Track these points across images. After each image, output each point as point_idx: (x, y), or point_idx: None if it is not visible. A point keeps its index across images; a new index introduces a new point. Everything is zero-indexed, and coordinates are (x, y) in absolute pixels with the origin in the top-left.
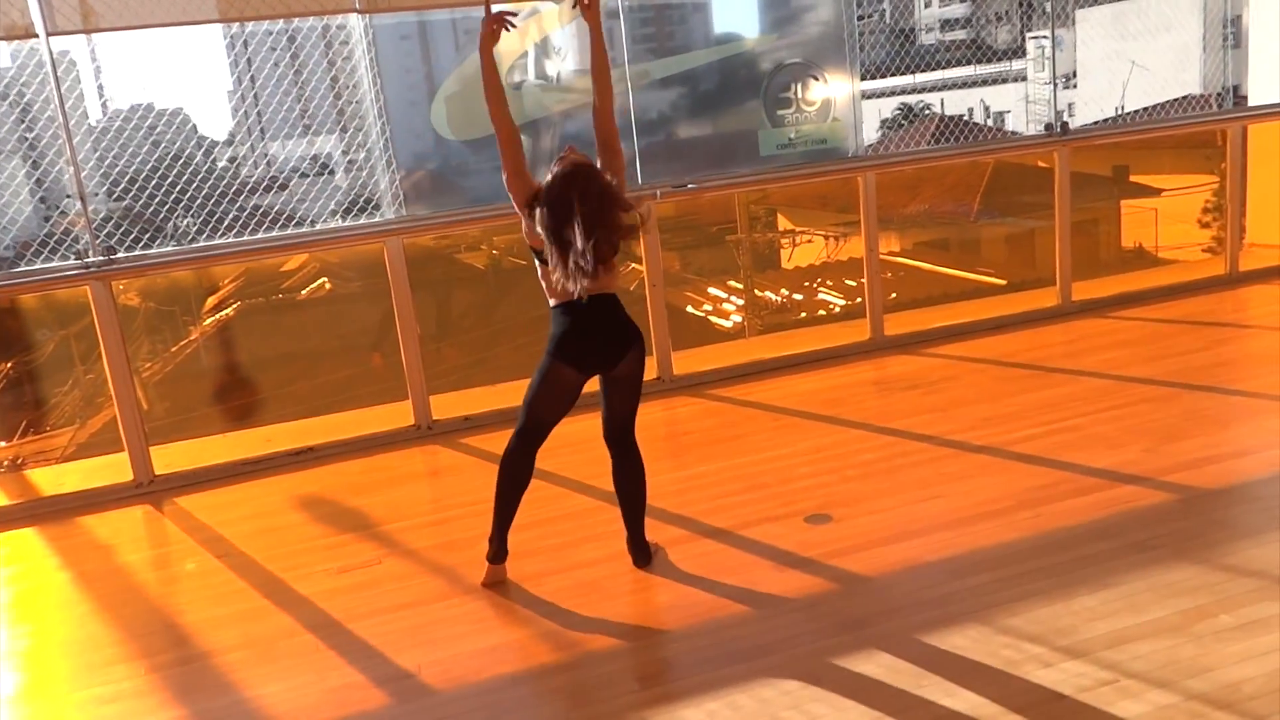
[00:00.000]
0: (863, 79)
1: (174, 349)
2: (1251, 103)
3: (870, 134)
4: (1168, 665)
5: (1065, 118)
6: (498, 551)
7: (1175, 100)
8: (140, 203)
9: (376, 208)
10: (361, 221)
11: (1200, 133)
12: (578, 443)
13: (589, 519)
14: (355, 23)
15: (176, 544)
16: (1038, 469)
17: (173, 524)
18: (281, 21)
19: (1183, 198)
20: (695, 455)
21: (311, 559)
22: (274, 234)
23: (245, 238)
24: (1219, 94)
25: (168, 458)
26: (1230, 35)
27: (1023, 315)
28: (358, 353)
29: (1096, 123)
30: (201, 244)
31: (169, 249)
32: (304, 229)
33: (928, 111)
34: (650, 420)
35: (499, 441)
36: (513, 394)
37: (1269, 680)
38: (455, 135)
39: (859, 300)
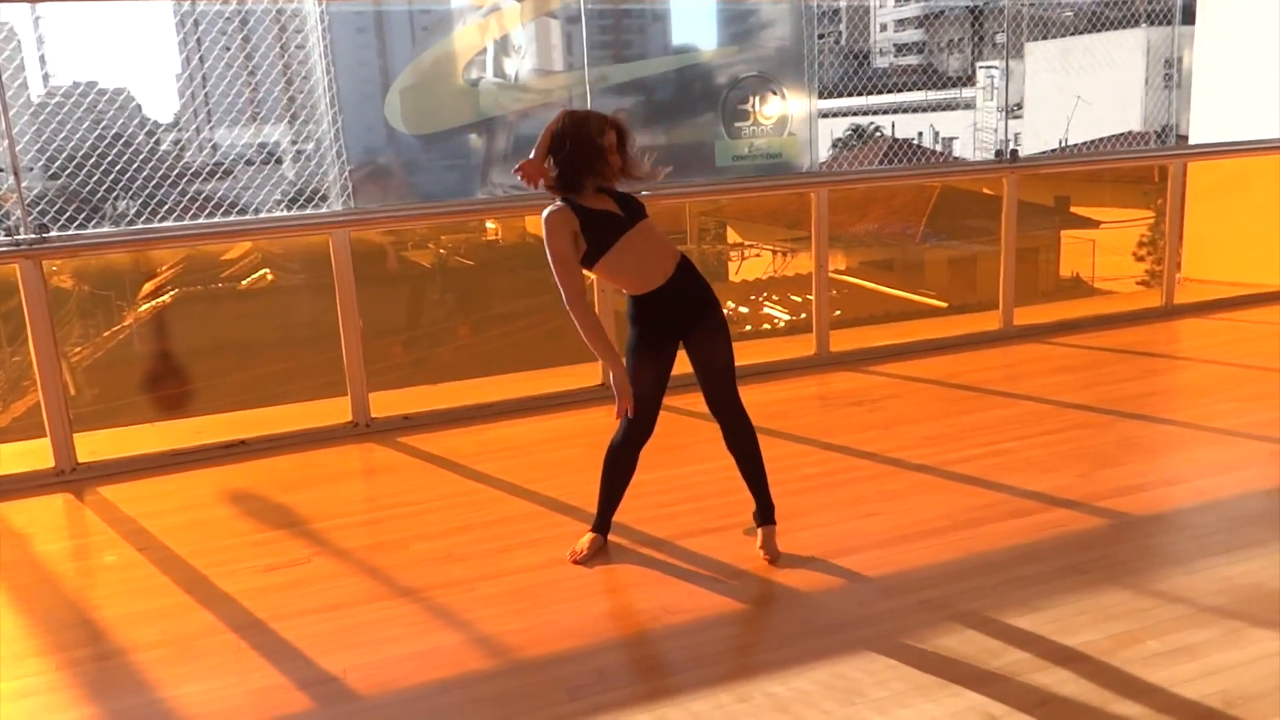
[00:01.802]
0: (822, 98)
1: (107, 334)
2: (1192, 141)
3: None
4: (1095, 690)
5: (1011, 146)
6: (600, 525)
7: (1117, 136)
8: (78, 181)
9: (324, 199)
10: (308, 212)
11: (1139, 168)
12: (518, 446)
13: (527, 524)
14: (311, 9)
15: (97, 535)
16: (974, 489)
17: (94, 514)
18: (234, 3)
19: (1120, 230)
20: (641, 463)
21: (238, 555)
22: (216, 220)
23: (189, 222)
24: (1159, 131)
25: (93, 445)
26: (1172, 75)
27: (965, 337)
28: (297, 345)
29: (1043, 153)
30: (139, 227)
31: (105, 230)
32: (247, 217)
33: (878, 133)
34: (592, 426)
35: (437, 441)
36: (454, 394)
37: (1191, 708)
38: (409, 129)
39: (804, 315)
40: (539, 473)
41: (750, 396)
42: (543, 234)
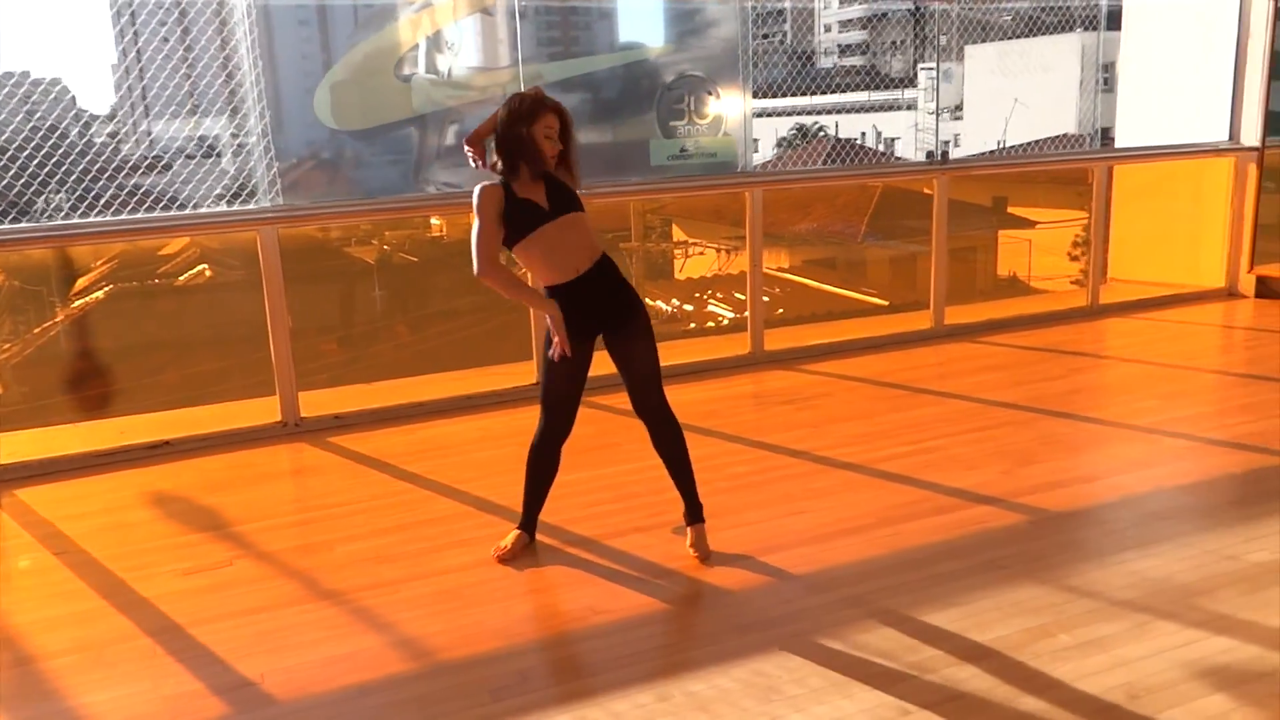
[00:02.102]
0: (761, 97)
1: (38, 331)
2: (1118, 145)
3: (767, 151)
4: (1007, 683)
5: (952, 147)
6: (526, 523)
7: (1053, 137)
8: (11, 174)
9: (252, 195)
10: (235, 208)
11: (1073, 169)
12: (450, 445)
13: (457, 524)
14: (238, 1)
15: (11, 539)
16: (900, 487)
17: (9, 518)
18: None
19: (1055, 231)
20: (568, 462)
21: (158, 559)
22: (139, 216)
23: (113, 218)
24: (1094, 134)
25: (11, 446)
26: (1104, 79)
27: (897, 336)
28: (234, 343)
29: (981, 154)
30: (60, 222)
31: (23, 225)
32: (186, 211)
33: (822, 133)
34: (525, 426)
35: (368, 441)
36: (387, 394)
37: (1097, 700)
38: (339, 125)
39: (748, 314)
40: (470, 472)
41: (684, 395)
42: (472, 204)
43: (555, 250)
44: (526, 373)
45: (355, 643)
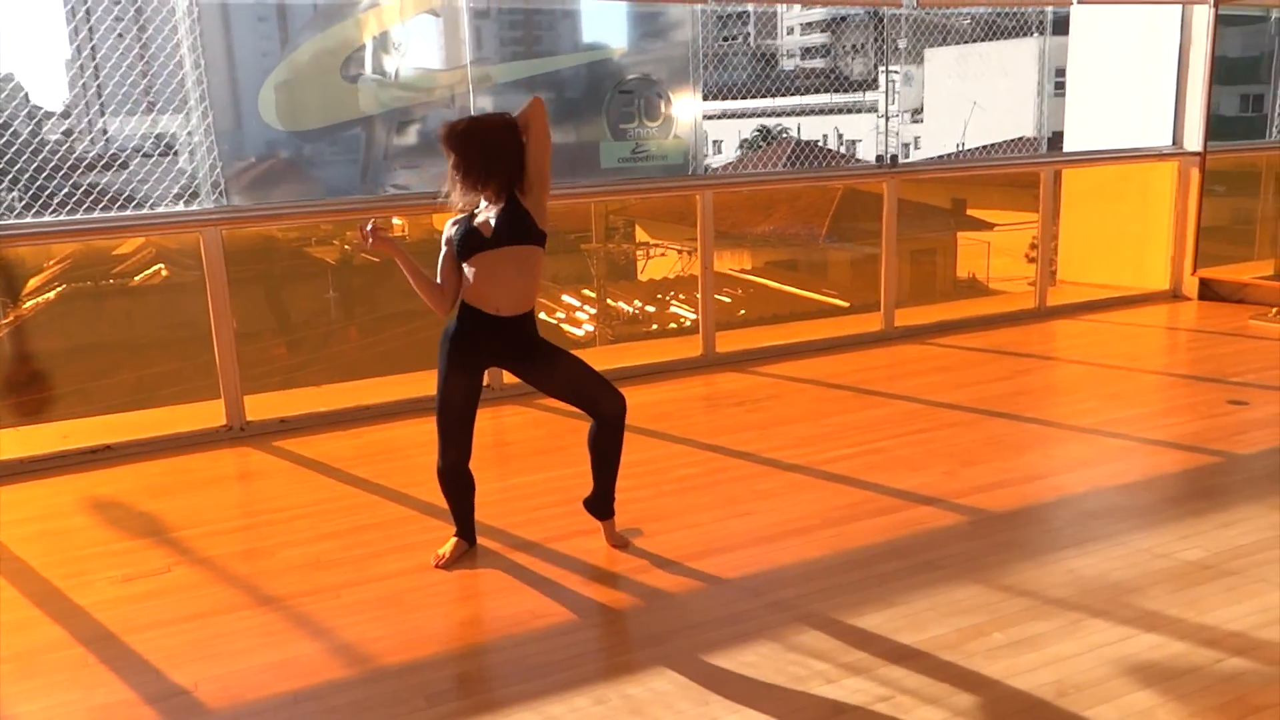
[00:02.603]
0: (724, 99)
1: None
2: (1066, 149)
3: (730, 152)
4: (939, 682)
5: (913, 149)
6: (463, 532)
7: (1011, 140)
8: None
9: (195, 195)
10: (178, 209)
11: (1029, 173)
12: (396, 449)
13: (397, 529)
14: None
15: None
16: (844, 488)
17: None
18: None
19: (1012, 233)
20: (517, 465)
21: (95, 566)
22: (81, 216)
23: (64, 217)
24: (1051, 137)
25: None
26: (1056, 84)
27: (849, 338)
28: (187, 344)
29: (941, 157)
30: (10, 221)
31: None
32: (128, 213)
33: (785, 135)
34: (477, 429)
35: (314, 445)
36: (334, 397)
37: (1027, 697)
38: (283, 126)
39: None
40: (415, 476)
41: (636, 398)
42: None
43: (485, 280)
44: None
45: (292, 649)
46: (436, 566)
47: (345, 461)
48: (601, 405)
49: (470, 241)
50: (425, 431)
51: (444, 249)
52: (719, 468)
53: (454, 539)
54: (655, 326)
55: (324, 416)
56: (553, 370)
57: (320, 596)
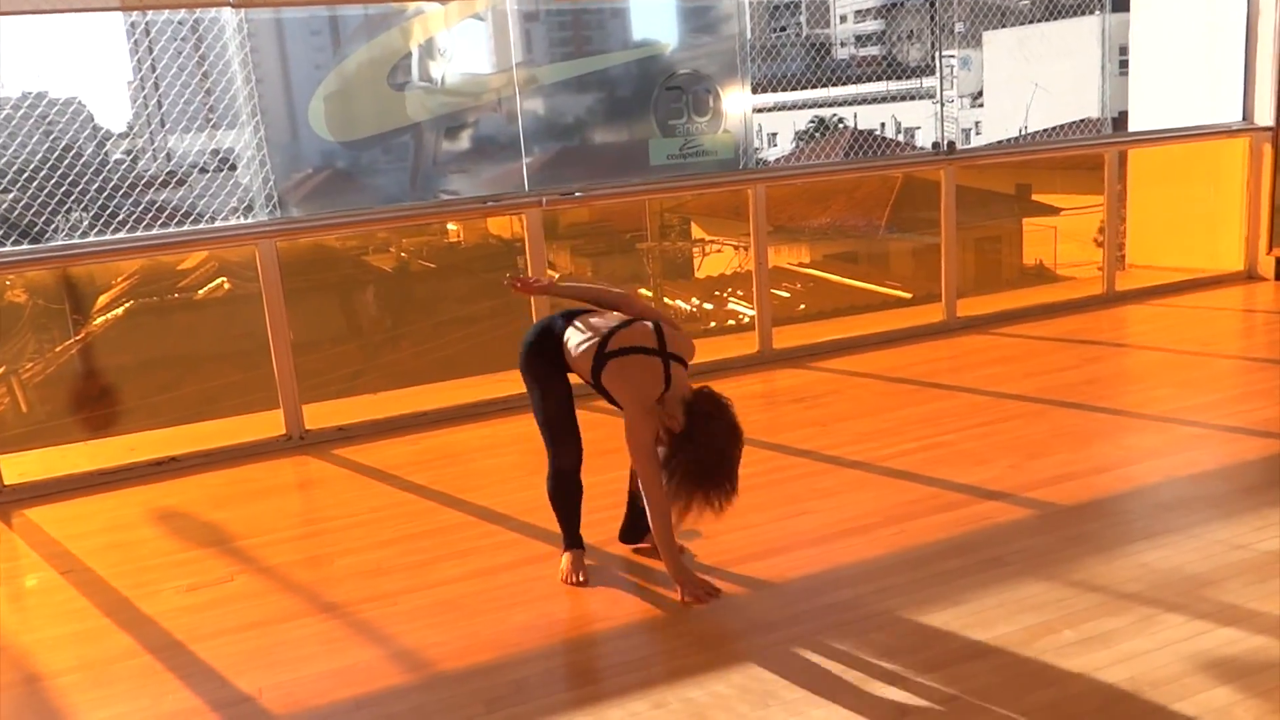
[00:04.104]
0: (776, 91)
1: (59, 349)
2: (1132, 128)
3: (785, 145)
4: (1009, 681)
5: (974, 134)
6: (572, 542)
7: (1074, 122)
8: (29, 194)
9: (250, 209)
10: (232, 223)
11: (1093, 154)
12: (454, 454)
13: (454, 535)
14: (228, 17)
15: (20, 559)
16: (906, 484)
17: (19, 537)
18: (184, 11)
19: (1079, 217)
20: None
21: (161, 576)
22: (139, 234)
23: (124, 235)
24: (1116, 117)
25: (23, 466)
26: (1119, 62)
27: (909, 330)
28: (250, 355)
29: (1003, 141)
30: (74, 240)
31: (23, 248)
32: (185, 228)
33: (841, 125)
34: (530, 432)
35: (372, 453)
36: (391, 404)
37: (1101, 695)
38: (334, 136)
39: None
40: (473, 481)
41: None
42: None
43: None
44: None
45: (352, 656)
46: (572, 584)
47: (403, 468)
48: None
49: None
50: (483, 436)
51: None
52: (777, 466)
53: (568, 553)
54: (713, 324)
55: (380, 424)
56: None
57: (379, 603)
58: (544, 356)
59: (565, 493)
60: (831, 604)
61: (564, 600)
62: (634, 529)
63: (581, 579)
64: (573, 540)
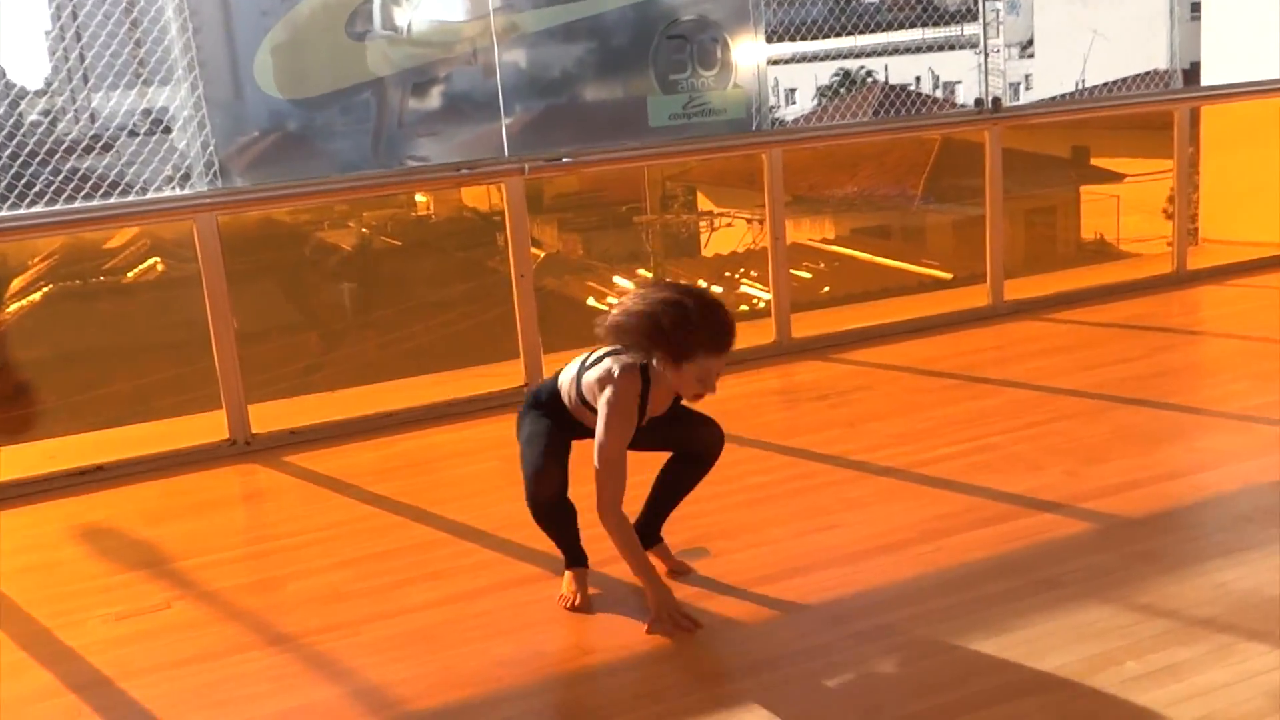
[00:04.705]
0: (795, 40)
1: None
2: (1204, 82)
3: (806, 102)
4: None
5: (1023, 89)
6: (573, 559)
7: (1139, 75)
8: None
9: (187, 178)
10: (165, 194)
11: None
12: (424, 461)
13: (426, 554)
14: None
15: None
16: (945, 494)
17: None
18: None
19: (1146, 185)
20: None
21: (87, 603)
22: (56, 208)
23: (33, 210)
24: (1184, 71)
25: None
26: (1190, 6)
27: (950, 316)
28: (189, 348)
29: (1056, 98)
30: None
31: None
32: (129, 199)
33: (869, 79)
34: (506, 436)
35: (329, 459)
36: (352, 403)
37: None
38: (284, 94)
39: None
40: (446, 492)
41: None
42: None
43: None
44: (513, 373)
45: (307, 695)
46: (571, 609)
47: (365, 477)
48: (707, 438)
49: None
50: (459, 439)
51: (622, 443)
52: (798, 474)
53: (570, 572)
54: None
55: (339, 426)
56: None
57: (339, 633)
58: (540, 409)
59: (551, 518)
60: (860, 632)
61: (552, 629)
62: (647, 531)
63: (578, 603)
64: (574, 557)
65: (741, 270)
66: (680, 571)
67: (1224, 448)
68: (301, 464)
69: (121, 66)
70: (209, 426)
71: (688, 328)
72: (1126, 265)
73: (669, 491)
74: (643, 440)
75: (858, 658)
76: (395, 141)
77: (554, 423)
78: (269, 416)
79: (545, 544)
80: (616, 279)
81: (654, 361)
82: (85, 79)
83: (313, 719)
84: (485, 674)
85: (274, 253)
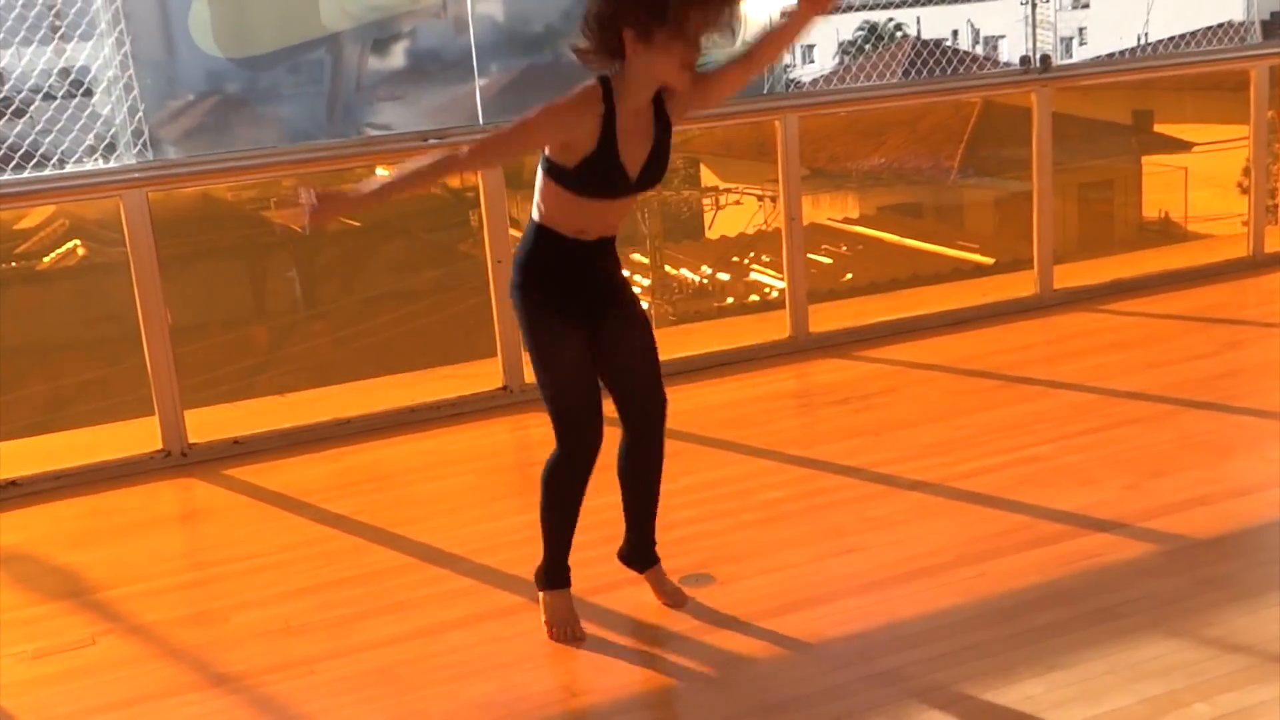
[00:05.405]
0: None
1: None
2: None
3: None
4: None
5: (1076, 46)
6: (556, 576)
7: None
8: None
9: (112, 149)
10: (87, 168)
11: (1235, 71)
12: (386, 475)
13: (388, 582)
14: None
15: None
16: (987, 511)
17: None
18: None
19: (1218, 155)
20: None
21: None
22: None
23: None
24: (1263, 22)
25: None
26: None
27: (990, 308)
28: (113, 345)
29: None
30: None
31: None
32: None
33: (899, 33)
34: (493, 444)
35: (278, 473)
36: (303, 409)
37: None
38: (223, 52)
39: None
40: (411, 511)
41: (705, 396)
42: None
43: (588, 214)
44: (489, 374)
45: None
46: (559, 640)
47: (319, 494)
48: (653, 399)
49: (610, 179)
50: (426, 450)
51: (534, 132)
52: (816, 488)
53: (550, 595)
54: (731, 300)
55: (289, 435)
56: (630, 326)
57: (290, 672)
58: (531, 269)
59: (568, 492)
60: (886, 672)
61: (534, 668)
62: (637, 552)
63: (574, 634)
64: (560, 573)
65: (751, 254)
66: (676, 603)
67: None
68: (246, 478)
69: (35, 19)
70: (139, 435)
71: None
72: (1195, 248)
73: (628, 484)
74: (611, 340)
75: (883, 701)
76: (353, 107)
77: (556, 300)
78: (208, 424)
79: (526, 569)
80: None
81: (620, 68)
82: None
83: None
84: (458, 718)
85: (212, 234)
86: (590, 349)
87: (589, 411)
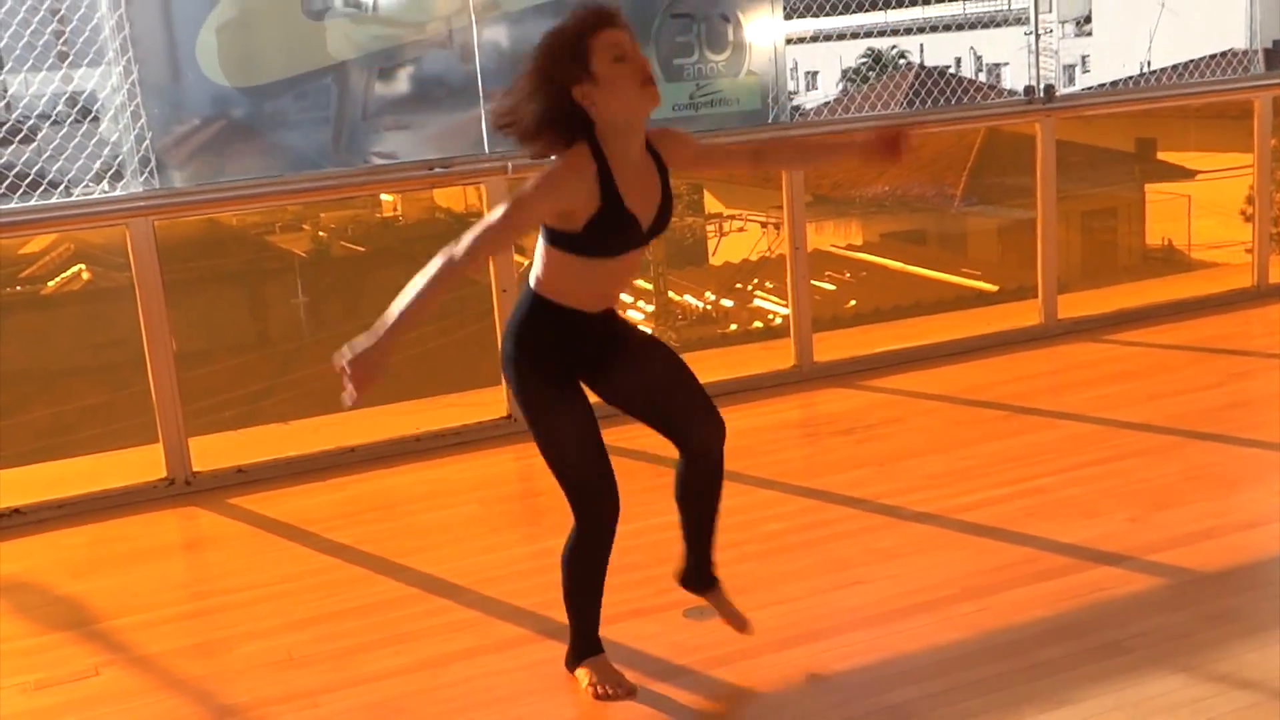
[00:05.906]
0: (817, 15)
1: None
2: None
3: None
4: None
5: (1080, 72)
6: (587, 645)
7: (1213, 56)
8: None
9: (119, 176)
10: (93, 196)
11: (1238, 100)
12: (391, 505)
13: (393, 613)
14: None
15: None
16: (991, 544)
17: None
18: None
19: (1222, 182)
20: (550, 523)
21: (1, 669)
22: None
23: None
24: (1265, 51)
25: None
26: None
27: (995, 337)
28: (118, 370)
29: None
30: None
31: None
32: (51, 201)
33: (903, 61)
34: (498, 473)
35: (282, 502)
36: (307, 437)
37: None
38: (230, 80)
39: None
40: (416, 541)
41: None
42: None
43: (603, 279)
44: (494, 403)
45: None
46: (615, 698)
47: (323, 523)
48: (703, 426)
49: (623, 231)
50: (431, 479)
51: (528, 211)
52: (819, 520)
53: (587, 665)
54: (734, 327)
55: (294, 463)
56: (643, 357)
57: (292, 704)
58: (526, 343)
59: (592, 569)
60: (891, 707)
61: (539, 701)
62: (697, 574)
63: (627, 687)
64: (589, 646)
65: (755, 281)
66: (739, 625)
67: None
68: (250, 507)
69: (43, 46)
70: (143, 463)
71: (559, 38)
72: (1199, 277)
73: (687, 507)
74: (630, 385)
75: None
76: (358, 135)
77: (550, 371)
78: (213, 452)
79: (530, 601)
80: None
81: (592, 129)
82: (1, 60)
83: None
84: None
85: (218, 260)
86: (616, 400)
87: (601, 481)
